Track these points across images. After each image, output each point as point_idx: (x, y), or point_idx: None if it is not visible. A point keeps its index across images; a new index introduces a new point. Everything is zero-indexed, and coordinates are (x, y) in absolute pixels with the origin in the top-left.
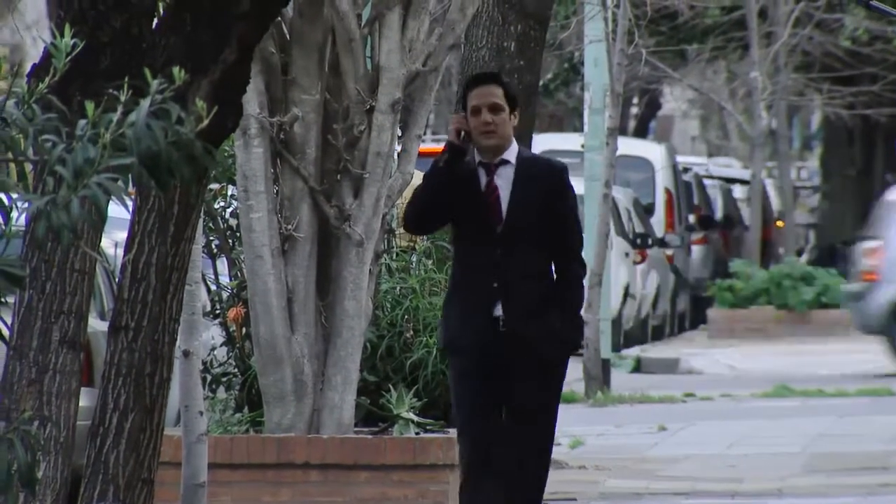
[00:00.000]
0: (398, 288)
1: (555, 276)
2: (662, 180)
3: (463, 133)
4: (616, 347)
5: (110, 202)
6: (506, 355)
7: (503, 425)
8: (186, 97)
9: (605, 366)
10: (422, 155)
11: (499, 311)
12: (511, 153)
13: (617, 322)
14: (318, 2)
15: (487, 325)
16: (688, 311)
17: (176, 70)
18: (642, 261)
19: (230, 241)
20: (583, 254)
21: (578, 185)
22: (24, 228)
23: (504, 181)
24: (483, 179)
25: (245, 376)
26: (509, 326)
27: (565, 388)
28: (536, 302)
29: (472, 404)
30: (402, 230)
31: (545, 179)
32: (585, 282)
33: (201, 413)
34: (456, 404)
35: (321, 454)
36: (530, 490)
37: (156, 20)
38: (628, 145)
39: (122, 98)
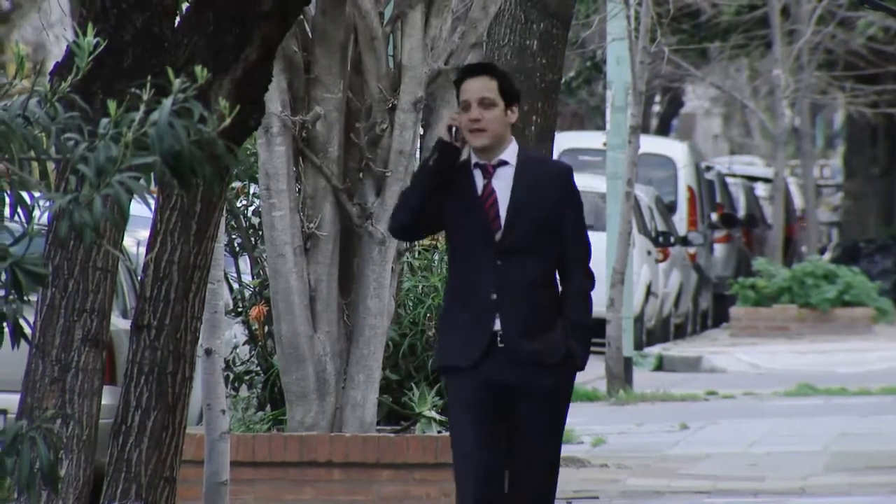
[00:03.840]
0: (420, 286)
1: (560, 289)
2: (685, 178)
3: (455, 130)
4: (638, 346)
5: (132, 201)
6: (506, 379)
7: (505, 460)
8: (209, 96)
9: (628, 364)
10: None
11: (497, 325)
12: (510, 153)
13: (639, 320)
14: (341, 0)
15: (485, 342)
16: (710, 309)
17: (198, 69)
18: (664, 259)
19: (252, 239)
20: (604, 254)
21: (600, 183)
22: (46, 227)
23: (502, 183)
24: (479, 182)
25: (267, 375)
26: (508, 343)
27: (587, 387)
28: (538, 317)
29: (474, 436)
30: None
31: (549, 182)
32: (604, 284)
33: (223, 411)
34: (454, 436)
35: (343, 452)
36: None
37: (178, 19)
38: (650, 143)
39: (145, 97)
